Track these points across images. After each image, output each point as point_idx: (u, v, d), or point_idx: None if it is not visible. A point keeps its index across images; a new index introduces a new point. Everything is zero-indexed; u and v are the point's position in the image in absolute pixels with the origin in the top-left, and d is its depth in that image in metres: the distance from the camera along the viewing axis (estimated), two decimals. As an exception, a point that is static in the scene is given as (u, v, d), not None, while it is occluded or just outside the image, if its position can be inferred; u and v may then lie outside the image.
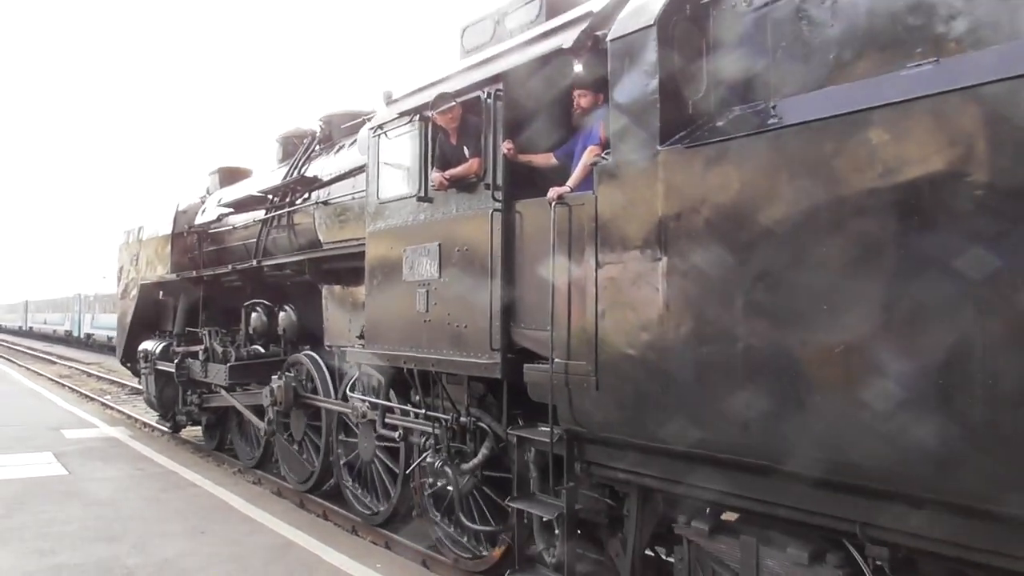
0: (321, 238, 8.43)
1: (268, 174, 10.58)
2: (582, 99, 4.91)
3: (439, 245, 5.70)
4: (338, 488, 8.42)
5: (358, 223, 7.68)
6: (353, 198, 7.81)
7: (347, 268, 7.93)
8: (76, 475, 9.36)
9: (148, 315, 12.70)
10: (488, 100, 5.26)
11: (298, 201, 9.06)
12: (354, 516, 7.76)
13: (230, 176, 12.43)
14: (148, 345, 12.18)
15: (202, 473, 9.71)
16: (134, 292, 12.91)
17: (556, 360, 4.57)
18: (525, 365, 4.89)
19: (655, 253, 3.99)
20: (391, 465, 7.19)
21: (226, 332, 10.66)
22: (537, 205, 5.03)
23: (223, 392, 10.27)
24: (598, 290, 4.33)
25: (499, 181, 5.18)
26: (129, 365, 13.53)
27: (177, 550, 6.52)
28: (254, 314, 10.22)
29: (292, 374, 8.76)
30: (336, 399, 8.07)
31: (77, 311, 42.37)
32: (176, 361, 11.00)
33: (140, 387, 13.62)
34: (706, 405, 3.77)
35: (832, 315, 3.21)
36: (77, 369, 27.13)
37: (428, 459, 6.01)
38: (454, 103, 5.40)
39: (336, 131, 9.38)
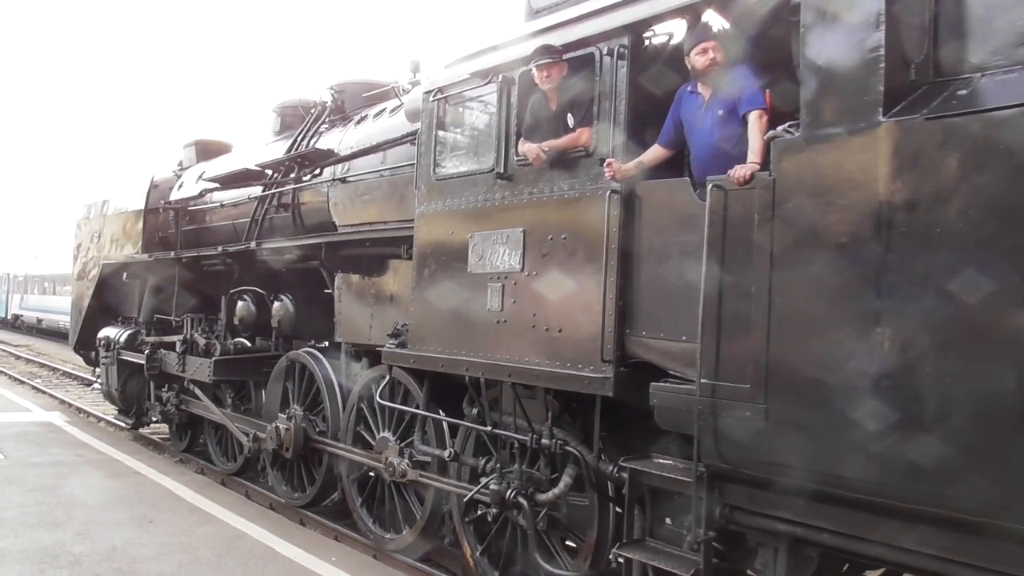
0: (336, 220, 7.36)
1: (262, 147, 9.42)
2: (716, 54, 4.00)
3: (523, 232, 4.75)
4: (338, 505, 7.41)
5: (387, 204, 6.69)
6: (382, 175, 6.78)
7: (370, 255, 6.90)
8: (12, 460, 8.93)
9: (109, 299, 11.33)
10: (607, 57, 4.33)
11: (306, 177, 7.95)
12: (364, 539, 6.74)
13: (208, 150, 11.21)
14: (110, 332, 10.81)
15: (145, 461, 9.33)
16: (94, 272, 11.49)
17: (702, 381, 3.69)
18: (653, 385, 3.98)
19: (872, 251, 3.14)
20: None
21: (205, 321, 9.44)
22: (667, 187, 4.16)
23: (202, 394, 9.04)
24: (772, 295, 3.46)
25: (618, 156, 4.26)
26: (83, 353, 12.10)
27: (125, 538, 6.29)
28: (240, 303, 9.03)
29: (301, 414, 7.52)
30: (345, 411, 7.00)
31: (5, 291, 39.99)
32: (147, 352, 9.71)
33: (94, 378, 12.21)
34: (948, 452, 2.93)
35: None
36: (4, 351, 25.34)
37: (492, 486, 5.04)
38: (560, 59, 4.46)
39: (350, 101, 8.32)
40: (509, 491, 4.90)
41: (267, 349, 8.64)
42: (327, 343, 8.03)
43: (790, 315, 3.40)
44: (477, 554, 5.56)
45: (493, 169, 4.97)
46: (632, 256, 4.19)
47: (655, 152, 4.24)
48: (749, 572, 4.24)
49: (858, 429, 3.15)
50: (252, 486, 8.43)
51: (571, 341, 4.44)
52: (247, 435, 8.12)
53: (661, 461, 4.21)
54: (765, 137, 3.60)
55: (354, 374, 7.17)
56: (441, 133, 5.48)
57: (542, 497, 4.83)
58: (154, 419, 10.24)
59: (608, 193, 4.22)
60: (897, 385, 3.06)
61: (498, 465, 5.10)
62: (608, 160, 4.19)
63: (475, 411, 5.37)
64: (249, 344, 8.93)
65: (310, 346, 8.00)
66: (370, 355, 6.99)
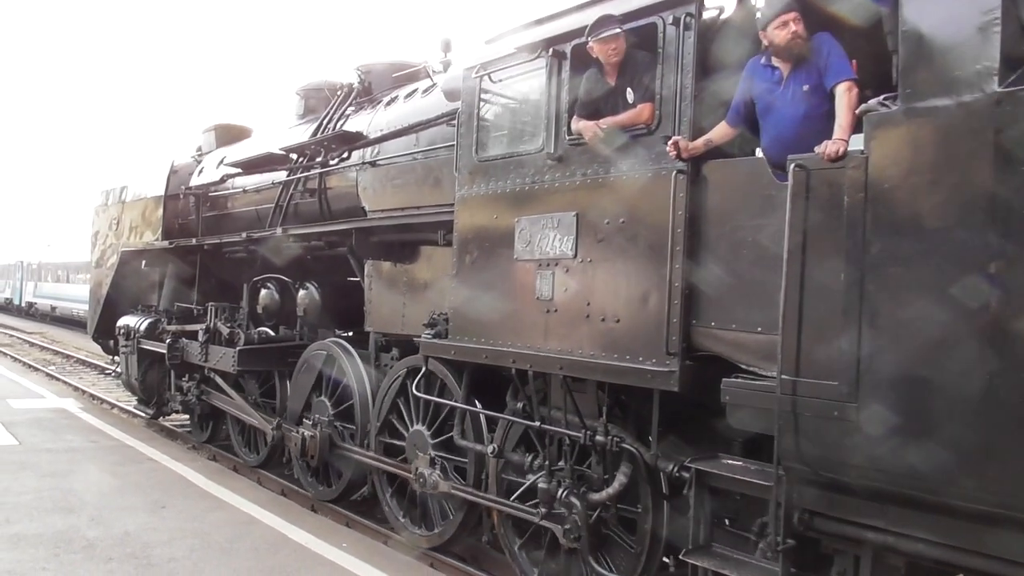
0: (366, 205, 7.08)
1: (285, 131, 9.15)
2: (798, 26, 3.68)
3: (576, 216, 4.47)
4: (367, 498, 7.18)
5: (421, 188, 6.41)
6: (415, 158, 6.50)
7: (403, 241, 6.63)
8: (27, 445, 8.95)
9: (127, 287, 11.12)
10: (672, 27, 4.03)
11: (333, 161, 7.68)
12: (393, 533, 6.53)
13: (228, 134, 10.95)
14: (129, 321, 10.59)
15: (158, 448, 9.34)
16: (112, 260, 11.27)
17: (783, 377, 3.41)
18: (726, 380, 3.70)
19: (984, 236, 2.85)
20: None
21: (228, 310, 9.20)
22: (740, 167, 3.88)
23: (224, 384, 8.82)
24: (866, 285, 3.17)
25: (684, 134, 3.96)
26: (102, 342, 11.90)
27: (138, 524, 6.34)
28: (264, 291, 8.79)
29: (327, 419, 7.26)
30: (375, 404, 6.75)
31: (19, 279, 40.03)
32: (168, 341, 9.49)
33: (112, 366, 12.03)
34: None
35: None
36: (18, 338, 25.41)
37: (541, 484, 4.79)
38: (619, 30, 4.16)
39: (378, 83, 8.03)
40: (561, 490, 4.65)
41: (292, 338, 8.41)
42: (351, 333, 7.81)
43: (887, 306, 3.11)
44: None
45: (542, 149, 4.69)
46: (700, 241, 3.90)
47: (723, 130, 3.95)
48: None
49: (973, 432, 2.87)
50: (264, 472, 8.38)
51: (631, 332, 4.16)
52: (270, 423, 7.92)
53: (730, 462, 3.93)
54: (857, 111, 3.30)
55: (384, 365, 6.94)
56: (484, 112, 5.19)
57: (595, 497, 4.57)
58: (175, 409, 10.03)
59: (674, 173, 3.92)
60: (1014, 384, 2.78)
61: (546, 463, 4.83)
62: (674, 138, 3.90)
63: (520, 405, 5.11)
64: (272, 333, 8.71)
65: (337, 336, 7.76)
66: (400, 345, 6.76)
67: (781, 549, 3.48)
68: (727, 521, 4.16)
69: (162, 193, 10.37)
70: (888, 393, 3.10)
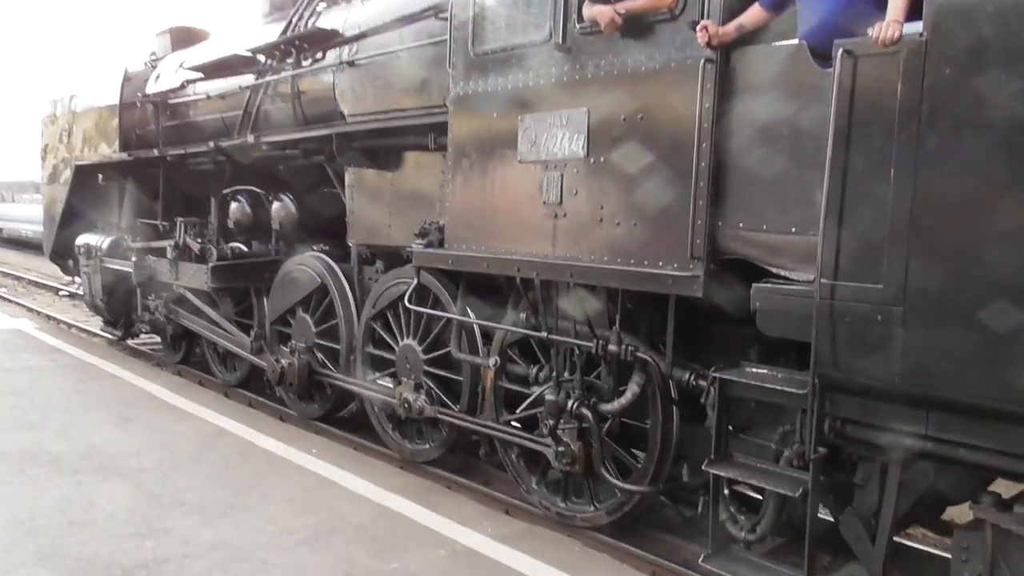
0: (345, 109, 6.62)
1: (250, 32, 8.50)
2: None
3: (588, 112, 4.15)
4: (355, 417, 7.01)
5: (406, 89, 5.98)
6: (398, 56, 6.04)
7: (387, 147, 6.24)
8: None
9: (84, 203, 10.50)
10: None
11: (306, 62, 7.15)
12: (361, 440, 6.52)
13: (186, 37, 10.17)
14: (90, 239, 10.03)
15: (121, 364, 9.21)
16: (66, 175, 10.60)
17: (823, 280, 3.21)
18: (756, 286, 3.50)
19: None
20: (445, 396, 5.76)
21: (196, 225, 8.73)
22: (777, 54, 3.58)
23: (197, 302, 8.43)
24: (918, 185, 2.94)
25: (713, 19, 3.63)
26: (60, 262, 11.33)
27: (104, 437, 6.30)
28: (234, 204, 8.35)
29: (306, 345, 6.95)
30: (361, 320, 6.47)
31: (-39, 199, 38.23)
32: (134, 260, 9.02)
33: (72, 287, 11.53)
34: None
35: None
36: (-37, 263, 24.31)
37: (548, 396, 4.62)
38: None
39: (353, -24, 7.42)
40: (571, 401, 4.48)
41: (267, 254, 8.03)
42: (328, 246, 7.46)
43: (943, 205, 2.90)
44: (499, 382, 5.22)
45: (549, 39, 4.31)
46: (728, 136, 3.63)
47: (757, 14, 3.62)
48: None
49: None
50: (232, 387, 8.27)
51: (650, 236, 3.92)
52: (248, 335, 7.62)
53: (756, 371, 3.76)
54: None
55: (368, 279, 6.65)
56: (480, 0, 4.76)
57: (606, 407, 4.42)
58: (144, 330, 9.64)
59: (701, 62, 3.61)
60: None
61: (553, 374, 4.65)
62: (702, 23, 3.56)
63: (523, 315, 4.88)
64: (246, 249, 8.30)
65: (314, 250, 7.40)
66: (386, 257, 6.46)
67: (814, 458, 3.36)
68: (731, 428, 4.05)
69: (116, 102, 9.67)
70: (940, 296, 2.92)
